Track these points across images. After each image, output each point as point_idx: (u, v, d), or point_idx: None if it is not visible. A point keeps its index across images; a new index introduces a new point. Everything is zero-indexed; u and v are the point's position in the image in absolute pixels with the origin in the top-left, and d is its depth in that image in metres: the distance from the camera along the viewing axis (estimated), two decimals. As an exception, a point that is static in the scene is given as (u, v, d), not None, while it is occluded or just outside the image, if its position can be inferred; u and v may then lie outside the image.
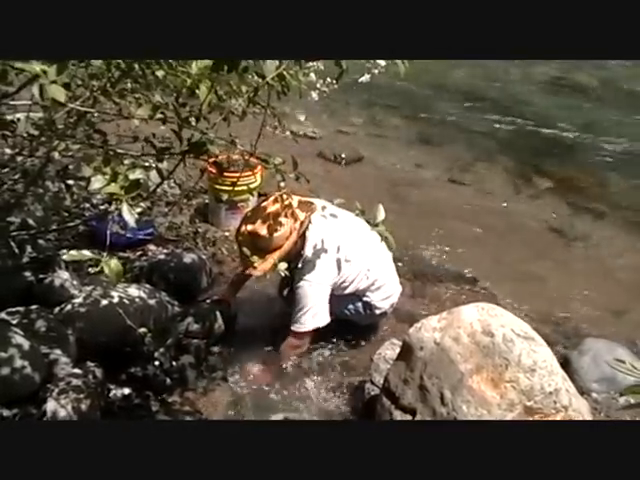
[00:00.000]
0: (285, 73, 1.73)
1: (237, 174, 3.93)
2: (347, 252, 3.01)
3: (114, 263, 1.38)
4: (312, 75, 1.78)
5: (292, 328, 3.04)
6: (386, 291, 3.24)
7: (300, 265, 2.97)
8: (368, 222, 1.69)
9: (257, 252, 2.82)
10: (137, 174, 1.57)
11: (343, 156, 5.73)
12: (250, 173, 4.06)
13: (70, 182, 2.99)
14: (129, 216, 1.42)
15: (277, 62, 1.63)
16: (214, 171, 4.03)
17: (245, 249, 2.79)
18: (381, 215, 1.69)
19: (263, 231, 2.84)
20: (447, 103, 7.33)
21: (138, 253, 3.81)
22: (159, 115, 1.77)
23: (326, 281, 2.98)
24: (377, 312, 3.26)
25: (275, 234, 2.84)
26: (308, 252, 2.95)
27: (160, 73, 1.79)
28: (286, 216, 2.85)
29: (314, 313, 2.98)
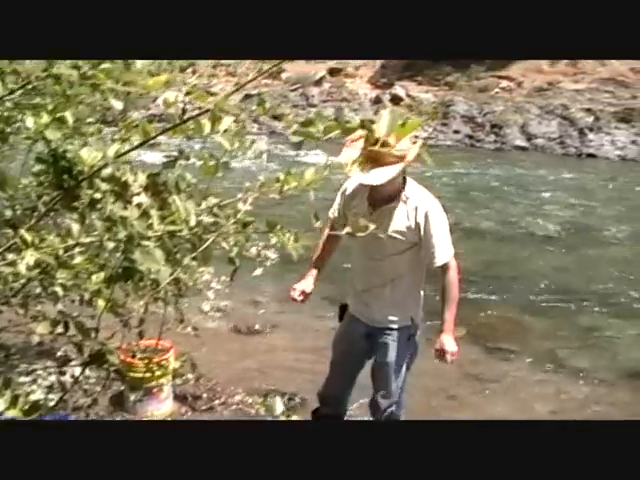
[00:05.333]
0: (181, 275, 1.81)
1: (147, 360, 3.91)
2: None
3: None
4: (207, 275, 1.87)
5: (445, 262, 3.15)
6: None
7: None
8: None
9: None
10: (38, 395, 1.58)
11: (257, 327, 5.73)
12: (160, 359, 4.04)
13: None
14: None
15: (170, 269, 1.70)
16: (125, 359, 3.99)
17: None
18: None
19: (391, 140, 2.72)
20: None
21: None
22: (60, 330, 1.79)
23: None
24: None
25: (399, 144, 2.73)
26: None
27: (59, 289, 1.83)
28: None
29: (447, 240, 3.18)
